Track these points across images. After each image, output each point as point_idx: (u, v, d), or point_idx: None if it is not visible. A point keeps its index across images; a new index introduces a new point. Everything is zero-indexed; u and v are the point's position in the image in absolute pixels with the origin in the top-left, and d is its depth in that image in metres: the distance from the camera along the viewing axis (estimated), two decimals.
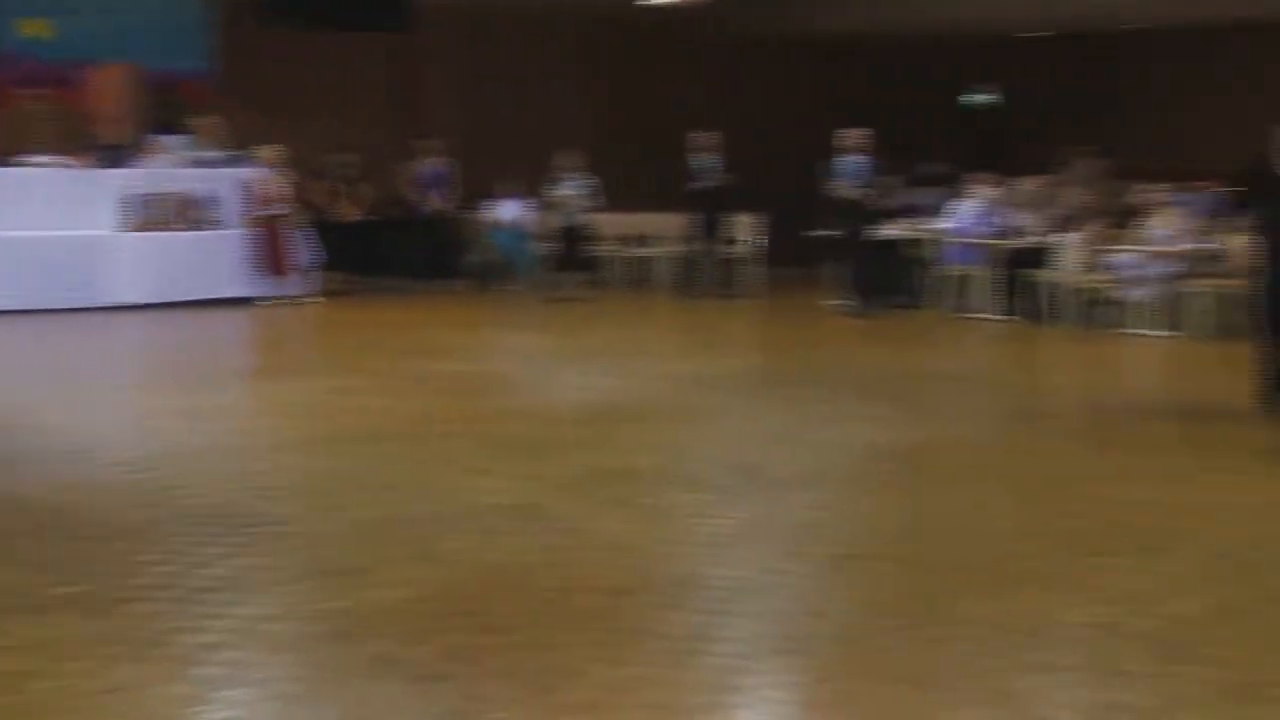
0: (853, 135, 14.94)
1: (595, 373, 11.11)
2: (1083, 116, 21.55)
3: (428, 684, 4.55)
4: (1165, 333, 13.14)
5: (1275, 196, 9.19)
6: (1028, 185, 15.56)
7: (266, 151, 15.44)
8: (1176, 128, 20.58)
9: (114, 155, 15.24)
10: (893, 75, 22.84)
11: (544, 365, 11.83)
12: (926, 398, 10.21)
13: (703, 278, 17.18)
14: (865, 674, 4.65)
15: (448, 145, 17.96)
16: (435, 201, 17.45)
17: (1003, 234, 14.57)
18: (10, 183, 14.46)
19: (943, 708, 4.37)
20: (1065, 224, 14.13)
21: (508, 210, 17.44)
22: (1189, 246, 13.37)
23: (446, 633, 5.00)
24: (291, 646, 4.91)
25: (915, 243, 15.71)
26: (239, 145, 15.89)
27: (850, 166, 14.91)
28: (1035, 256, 14.32)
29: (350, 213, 17.02)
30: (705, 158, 16.91)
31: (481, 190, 17.72)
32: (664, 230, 17.92)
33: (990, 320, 14.41)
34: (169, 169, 15.27)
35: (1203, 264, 13.66)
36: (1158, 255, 13.34)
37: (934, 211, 17.24)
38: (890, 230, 15.82)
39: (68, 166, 14.86)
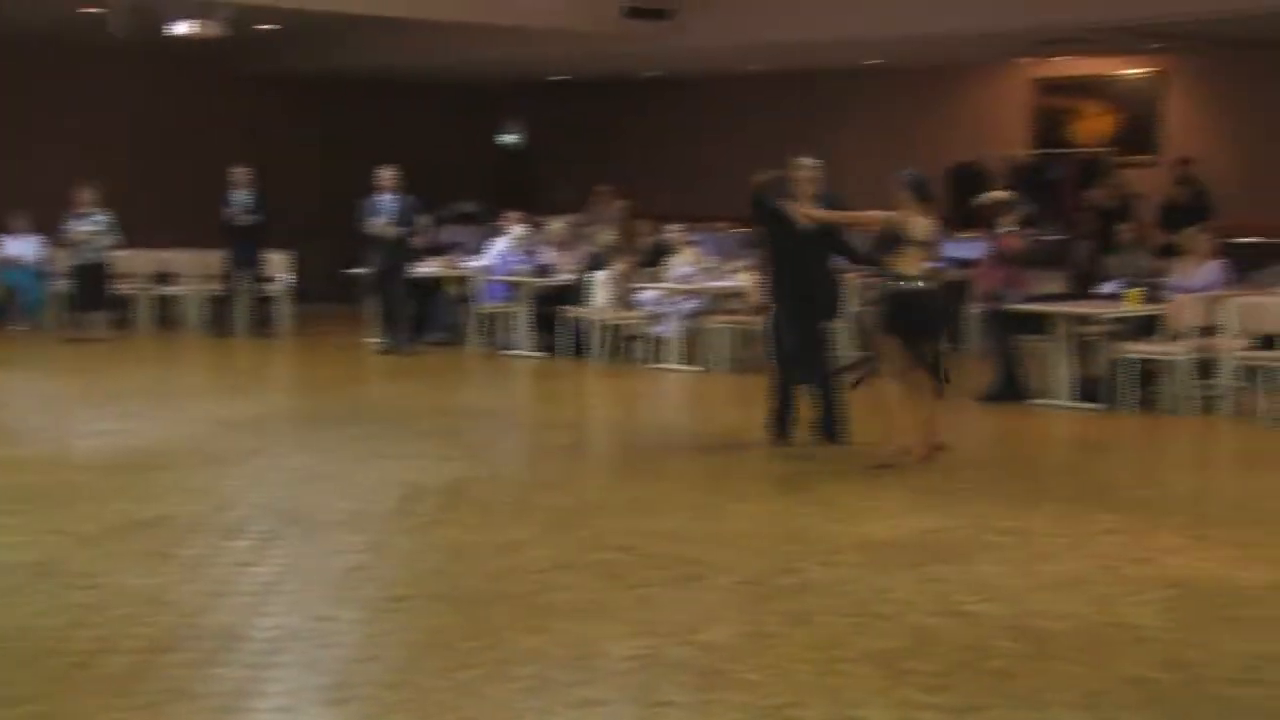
0: (387, 173, 14.88)
1: (120, 416, 10.56)
2: (607, 157, 22.35)
3: None
4: (690, 367, 13.75)
5: (774, 233, 9.76)
6: (558, 224, 15.96)
7: None
8: (695, 169, 21.67)
9: None
10: (429, 114, 22.97)
11: (62, 409, 11.14)
12: (464, 434, 10.26)
13: (237, 317, 16.67)
14: (418, 719, 4.59)
15: None
16: None
17: (535, 272, 14.86)
18: None
19: None
20: (594, 262, 14.56)
21: (18, 247, 16.35)
22: (708, 284, 14.05)
23: None
24: None
25: (452, 280, 15.80)
26: None
27: (386, 204, 14.84)
28: (567, 294, 14.69)
29: None
30: (240, 193, 16.42)
31: None
32: (195, 268, 17.26)
33: (526, 356, 14.65)
34: None
35: (722, 301, 14.42)
36: (679, 292, 13.94)
37: (470, 249, 17.44)
38: (427, 268, 15.85)
39: None
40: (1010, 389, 11.76)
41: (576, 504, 7.87)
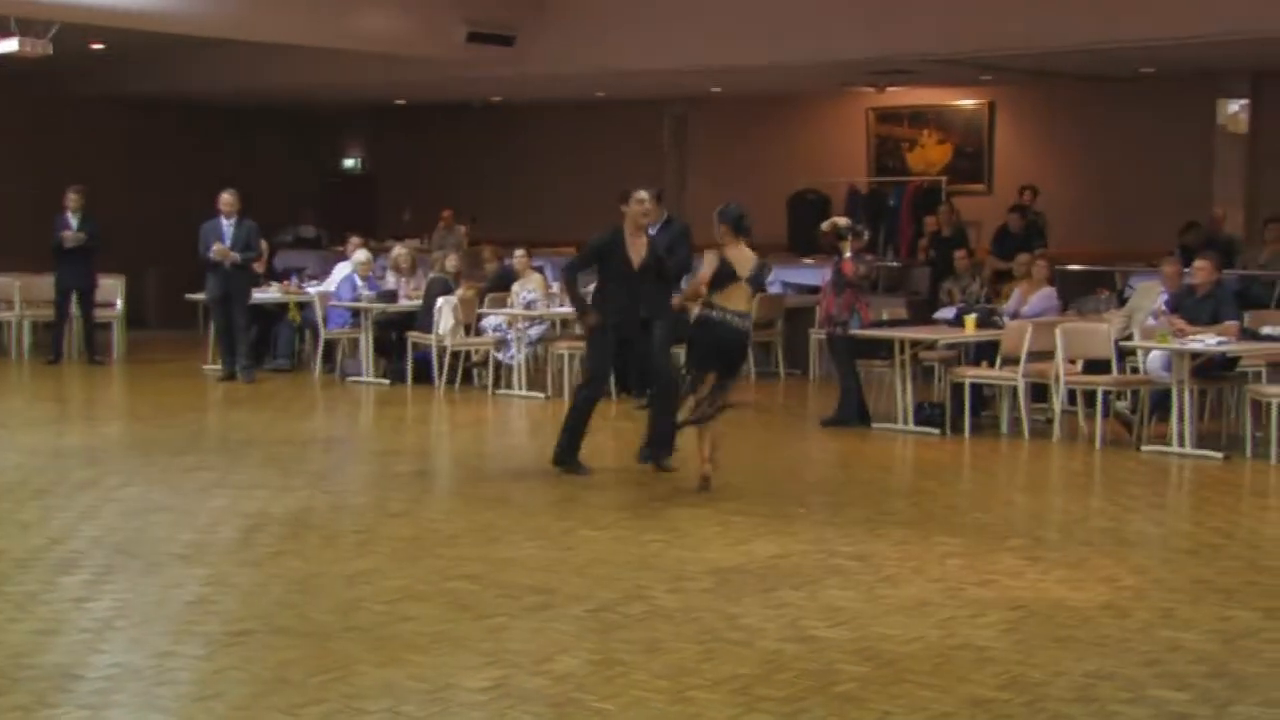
0: (226, 196, 14.60)
1: None
2: (451, 182, 22.24)
3: None
4: (535, 394, 13.72)
5: (608, 260, 9.80)
6: (401, 249, 15.82)
7: None
8: (540, 194, 21.67)
9: None
10: (269, 137, 22.64)
11: None
12: (308, 463, 10.10)
13: (69, 343, 16.18)
14: None
15: None
16: None
17: (378, 297, 14.70)
18: None
19: None
20: (437, 287, 14.44)
21: None
22: (552, 310, 14.04)
23: None
24: None
25: (293, 306, 15.56)
26: None
27: (225, 228, 14.56)
28: (410, 319, 14.56)
29: None
30: (71, 216, 15.95)
31: None
32: (26, 293, 16.72)
33: (369, 384, 14.48)
34: None
35: (567, 326, 14.42)
36: (523, 318, 13.91)
37: (311, 274, 17.20)
38: (267, 293, 15.58)
39: None
40: (852, 413, 11.94)
41: (424, 533, 7.79)
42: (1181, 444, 10.68)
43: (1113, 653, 5.72)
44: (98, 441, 10.87)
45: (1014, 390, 11.62)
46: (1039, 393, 11.94)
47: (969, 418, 11.59)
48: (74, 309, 16.08)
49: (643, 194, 9.73)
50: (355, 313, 14.89)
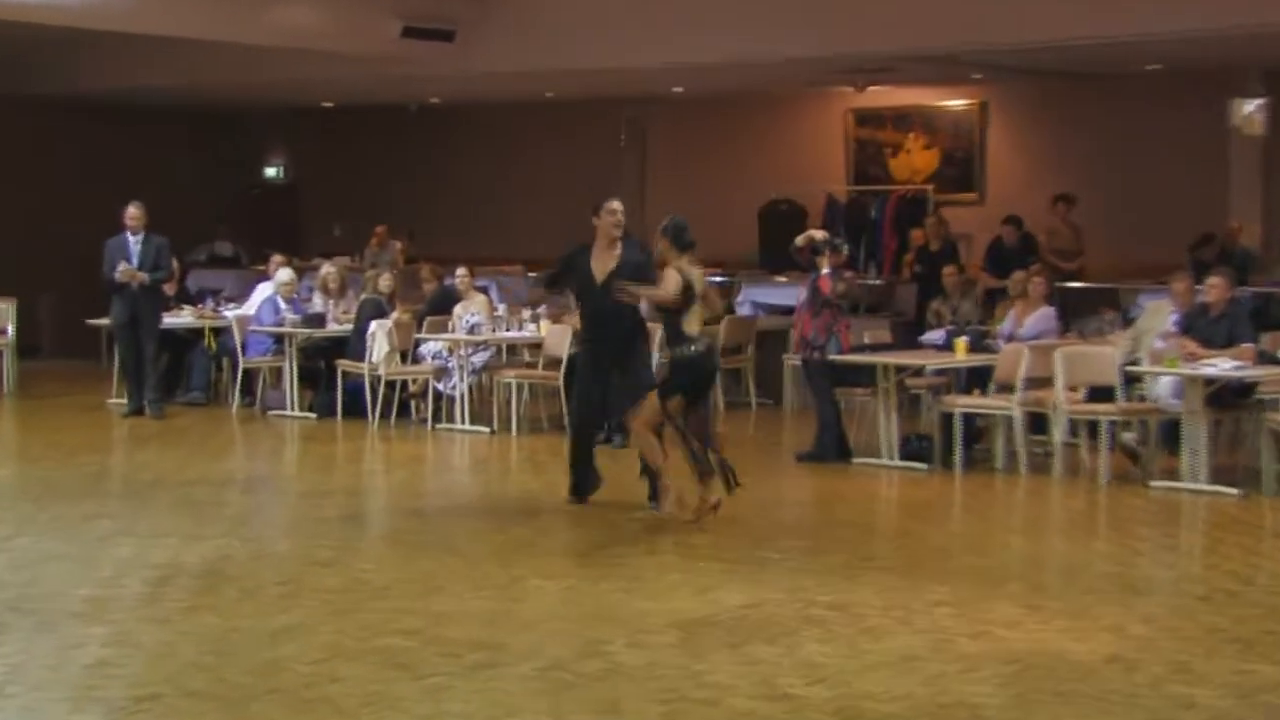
0: (133, 210, 14.53)
1: None
2: (385, 193, 22.23)
3: None
4: (479, 429, 13.71)
5: (576, 274, 9.85)
6: (329, 268, 15.79)
7: None
8: (485, 206, 21.68)
9: None
10: (182, 143, 22.58)
11: None
12: (225, 507, 10.06)
13: None
14: None
15: None
16: None
17: (304, 322, 14.67)
18: None
19: None
20: (370, 310, 14.43)
21: None
22: (499, 335, 14.04)
23: None
24: None
25: (209, 332, 15.51)
26: None
27: (132, 245, 14.48)
28: (340, 346, 14.53)
29: None
30: None
31: None
32: None
33: (294, 418, 14.45)
34: None
35: (516, 353, 14.43)
36: (466, 344, 13.91)
37: (229, 296, 17.14)
38: (179, 318, 15.53)
39: None
40: (831, 447, 11.99)
41: (355, 583, 7.77)
42: (1194, 479, 10.76)
43: (1119, 710, 5.76)
44: None
45: (1009, 421, 11.68)
46: (1037, 423, 12.01)
47: (960, 451, 11.65)
48: None
49: (615, 204, 9.86)
50: (278, 339, 14.86)
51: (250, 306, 15.52)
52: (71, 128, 21.24)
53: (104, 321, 15.27)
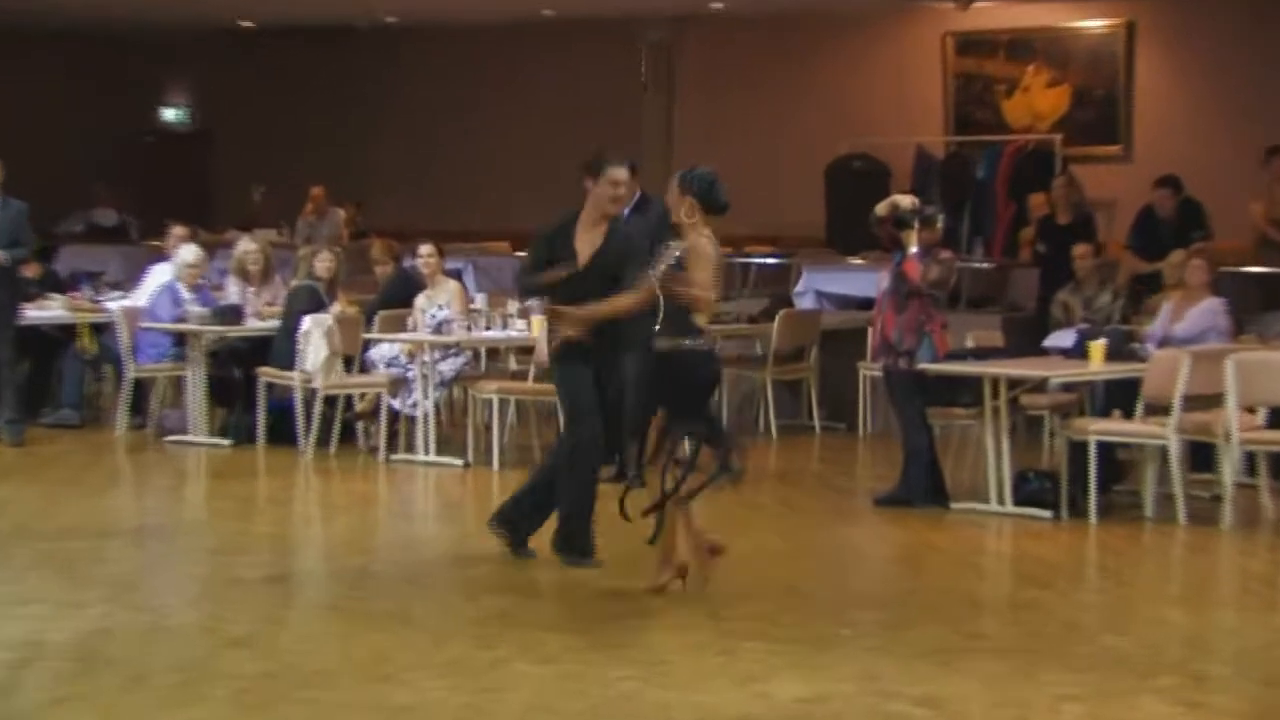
0: None
1: None
2: (322, 144, 22.27)
3: None
4: (448, 459, 13.70)
5: (558, 255, 9.84)
6: (248, 244, 15.82)
7: None
8: (456, 163, 21.70)
9: None
10: (47, 78, 22.62)
11: None
12: (107, 565, 10.08)
13: None
14: None
15: None
16: None
17: (215, 317, 14.68)
18: None
19: None
20: (304, 301, 14.43)
21: None
22: (475, 335, 14.04)
23: None
24: None
25: (85, 330, 15.53)
26: None
27: None
28: (264, 349, 14.55)
29: None
30: None
31: None
32: None
33: (202, 445, 14.47)
34: None
35: (499, 360, 14.43)
36: (432, 347, 13.91)
37: (115, 281, 17.14)
38: (45, 310, 15.55)
39: None
40: (920, 487, 11.97)
41: (282, 668, 7.78)
42: None
43: None
44: None
45: (1163, 453, 11.67)
46: (1201, 457, 11.98)
47: (1095, 494, 11.64)
48: None
49: (619, 172, 9.83)
50: (179, 339, 14.88)
51: (142, 295, 15.54)
52: None
53: None
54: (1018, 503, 11.79)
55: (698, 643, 8.34)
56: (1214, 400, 11.58)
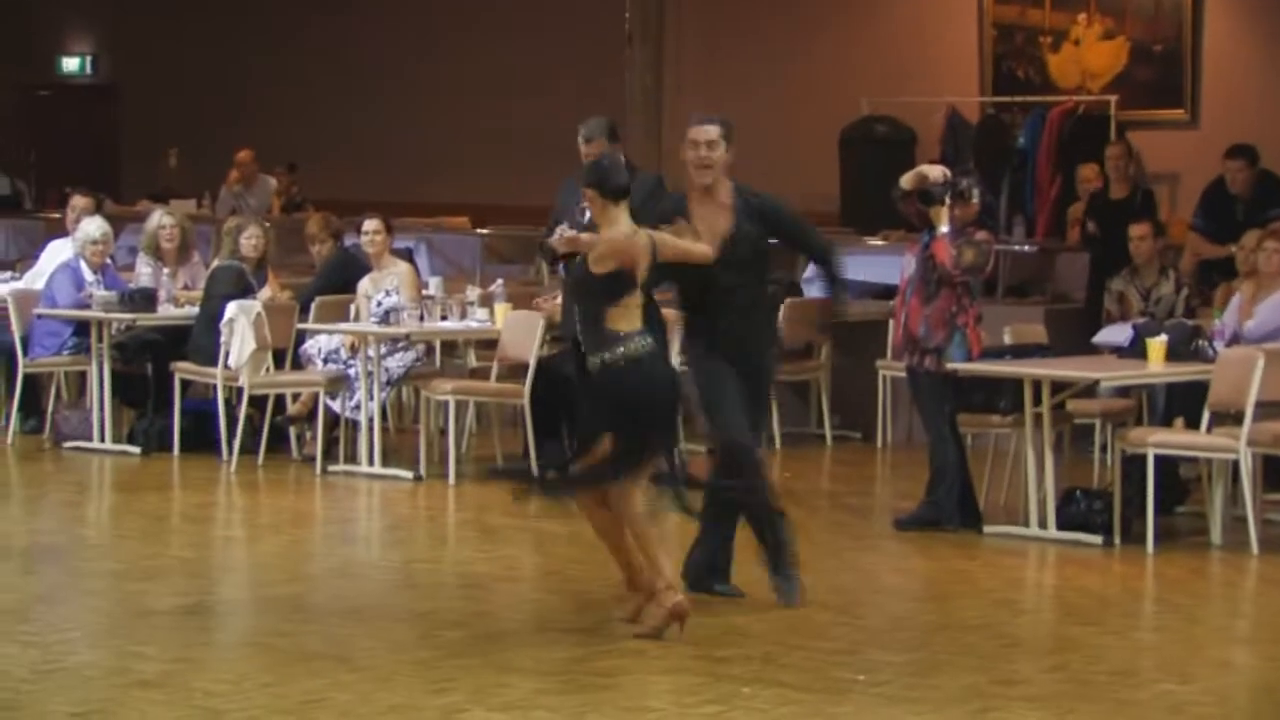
0: None
1: None
2: (248, 98, 22.26)
3: None
4: (396, 471, 13.70)
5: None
6: (162, 216, 15.81)
7: None
8: (411, 122, 21.70)
9: None
10: None
11: None
12: None
13: None
14: None
15: None
16: None
17: (122, 302, 14.66)
18: None
19: None
20: (227, 284, 14.42)
21: None
22: (430, 326, 14.02)
23: None
24: None
25: None
26: None
27: None
28: (181, 340, 14.53)
29: None
30: None
31: None
32: None
33: (105, 452, 14.46)
34: None
35: (457, 355, 14.44)
36: (377, 340, 13.90)
37: (3, 261, 17.14)
38: None
39: None
40: (950, 506, 11.99)
41: (198, 714, 7.80)
42: None
43: None
44: None
45: (1233, 469, 11.69)
46: (1279, 474, 12.01)
47: (1153, 517, 11.66)
48: None
49: (699, 130, 9.94)
50: (81, 328, 14.87)
51: (38, 277, 15.54)
52: None
53: None
54: (1062, 526, 11.81)
55: (688, 687, 8.36)
56: None
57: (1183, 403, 12.16)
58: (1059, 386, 11.94)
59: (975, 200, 12.32)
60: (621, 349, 9.21)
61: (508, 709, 7.97)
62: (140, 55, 23.74)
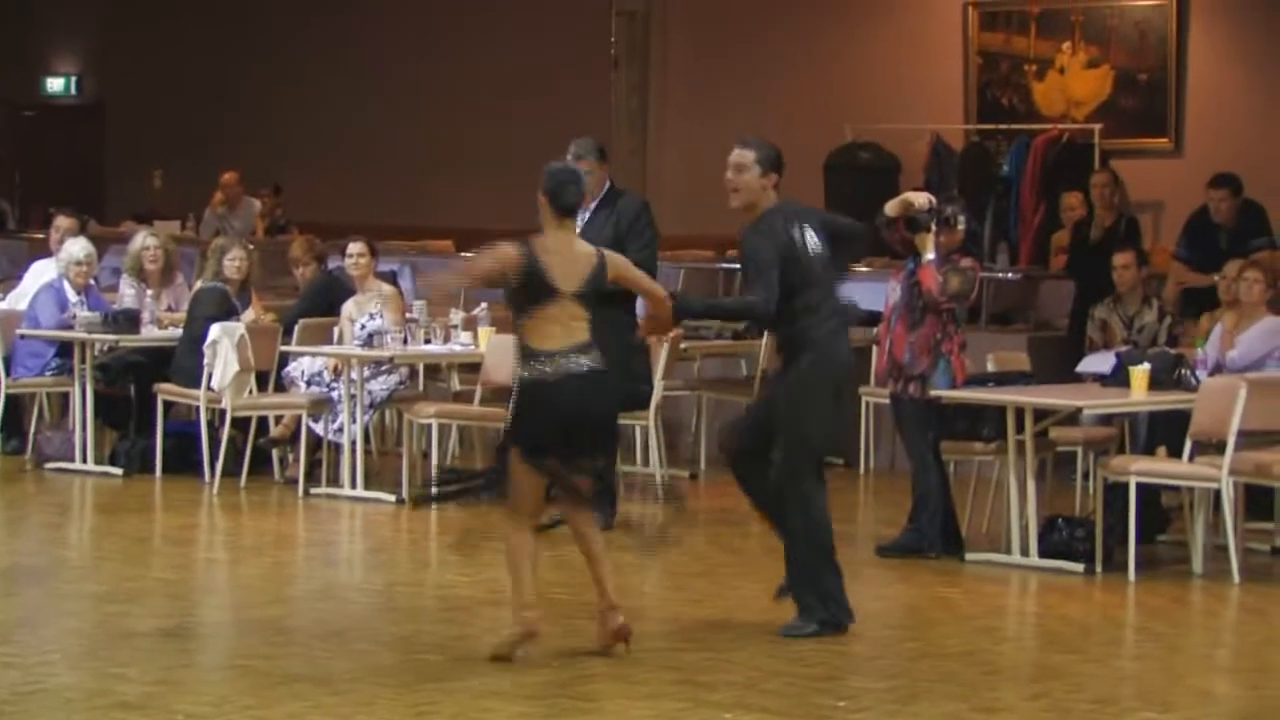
0: None
1: None
2: (235, 120, 22.23)
3: None
4: (379, 494, 13.69)
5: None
6: (146, 237, 15.78)
7: None
8: (396, 144, 21.69)
9: None
10: None
11: None
12: None
13: None
14: None
15: None
16: None
17: (105, 323, 14.63)
18: None
19: None
20: (211, 305, 14.41)
21: None
22: (414, 349, 14.01)
23: None
24: None
25: None
26: None
27: None
28: (164, 363, 14.50)
29: None
30: None
31: None
32: None
33: (90, 474, 14.44)
34: None
35: (440, 378, 14.42)
36: (361, 363, 13.89)
37: None
38: None
39: None
40: (932, 533, 11.99)
41: None
42: None
43: None
44: None
45: (1215, 497, 11.70)
46: (1259, 503, 12.02)
47: (1135, 545, 11.67)
48: None
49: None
50: (64, 349, 14.85)
51: (20, 297, 15.53)
52: None
53: None
54: (1044, 554, 11.82)
55: (670, 713, 8.37)
56: (1274, 437, 11.62)
57: (1165, 431, 12.18)
58: (1041, 414, 11.95)
59: (961, 227, 12.35)
60: (522, 368, 9.39)
61: None
62: (125, 76, 23.73)
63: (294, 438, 14.25)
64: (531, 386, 9.29)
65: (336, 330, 14.21)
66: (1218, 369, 12.45)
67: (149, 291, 15.25)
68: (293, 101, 22.27)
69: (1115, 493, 11.82)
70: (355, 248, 14.47)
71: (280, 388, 14.37)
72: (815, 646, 9.76)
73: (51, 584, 11.35)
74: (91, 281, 15.25)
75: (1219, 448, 11.60)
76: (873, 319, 14.24)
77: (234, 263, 14.81)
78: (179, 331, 14.60)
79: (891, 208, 12.01)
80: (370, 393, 14.06)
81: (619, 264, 9.63)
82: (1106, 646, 10.27)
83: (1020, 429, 11.84)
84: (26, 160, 22.80)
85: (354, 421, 13.91)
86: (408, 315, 14.32)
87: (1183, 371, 12.43)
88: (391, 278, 15.33)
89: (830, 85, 19.69)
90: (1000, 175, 18.41)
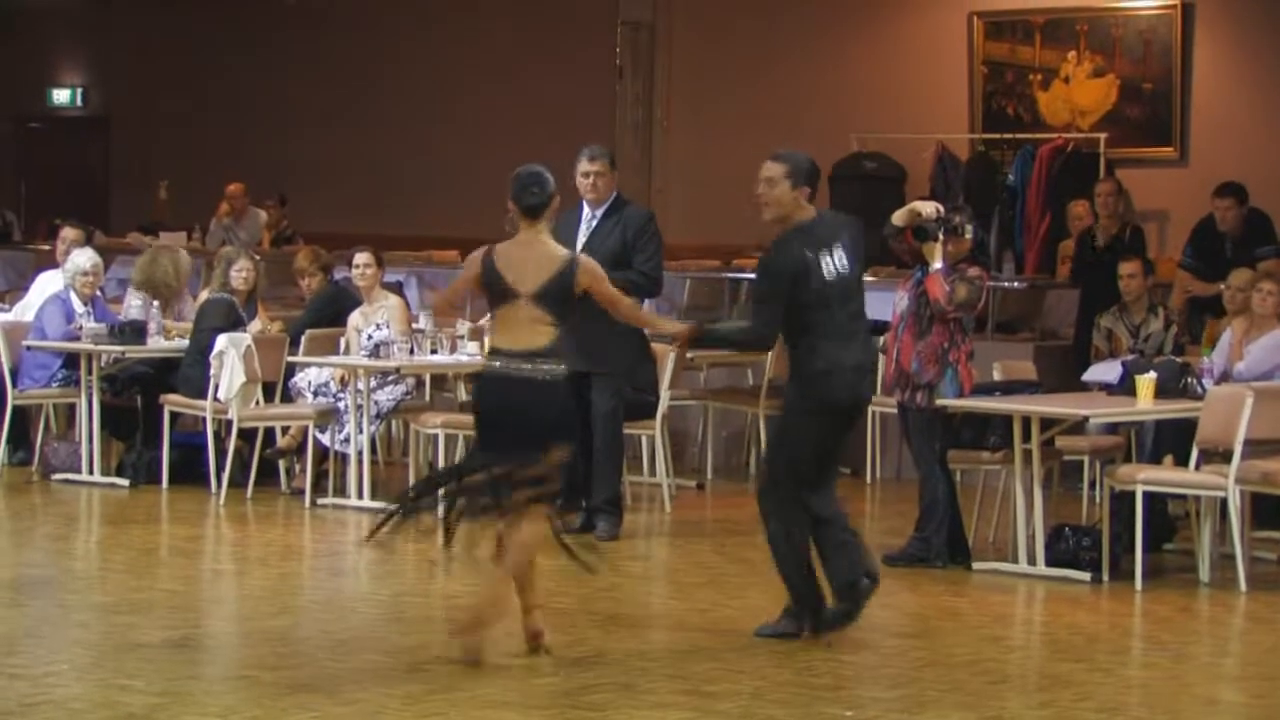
0: None
1: None
2: (240, 132, 22.24)
3: None
4: (385, 504, 13.68)
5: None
6: (166, 246, 15.80)
7: None
8: (399, 152, 21.69)
9: None
10: None
11: None
12: None
13: None
14: None
15: None
16: None
17: (112, 334, 14.64)
18: None
19: None
20: (217, 317, 14.41)
21: None
22: (419, 359, 14.02)
23: None
24: None
25: None
26: None
27: None
28: (170, 373, 14.51)
29: None
30: None
31: None
32: None
33: (94, 485, 14.43)
34: None
35: (446, 388, 14.41)
36: (368, 373, 13.89)
37: None
38: None
39: None
40: (938, 543, 11.99)
41: None
42: None
43: None
44: None
45: (1221, 506, 11.69)
46: (1266, 512, 12.01)
47: (1142, 554, 11.66)
48: None
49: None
50: (71, 360, 14.86)
51: (26, 309, 15.53)
52: None
53: None
54: (1051, 563, 11.81)
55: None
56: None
57: (1171, 440, 12.17)
58: (1048, 423, 11.94)
59: (969, 236, 12.32)
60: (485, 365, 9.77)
61: None
62: (131, 88, 23.74)
63: (300, 448, 14.25)
64: (476, 382, 9.82)
65: (343, 341, 14.22)
66: (1224, 377, 12.44)
67: (155, 304, 15.24)
68: (298, 112, 22.28)
69: (1122, 501, 11.82)
70: (362, 258, 14.47)
71: (287, 398, 14.37)
72: (822, 656, 9.77)
73: (58, 595, 11.35)
74: (98, 293, 15.25)
75: (1225, 456, 11.60)
76: (879, 329, 14.24)
77: (240, 274, 14.82)
78: (185, 342, 14.61)
79: (899, 217, 12.03)
80: (376, 403, 14.06)
81: (594, 274, 9.62)
82: (1113, 655, 10.26)
83: (1027, 438, 11.82)
84: (32, 172, 22.81)
85: (360, 432, 13.91)
86: (414, 326, 14.32)
87: (1189, 380, 12.42)
88: (397, 288, 15.33)
89: (836, 95, 19.68)
90: (1005, 184, 18.41)
